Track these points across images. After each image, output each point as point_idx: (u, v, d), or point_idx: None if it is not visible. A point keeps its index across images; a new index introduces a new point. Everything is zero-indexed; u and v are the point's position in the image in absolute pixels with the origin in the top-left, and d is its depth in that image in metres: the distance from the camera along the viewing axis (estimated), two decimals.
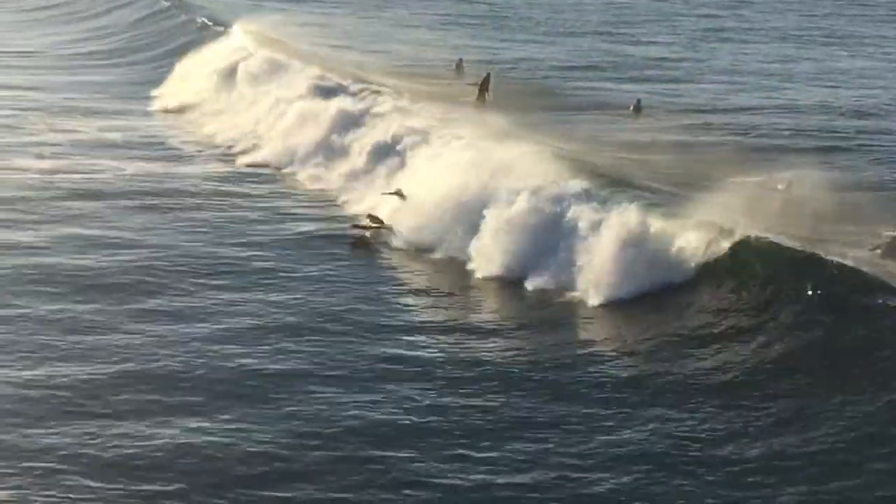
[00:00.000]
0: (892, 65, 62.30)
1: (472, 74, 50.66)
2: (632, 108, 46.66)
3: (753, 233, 26.08)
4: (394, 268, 29.88)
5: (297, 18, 69.10)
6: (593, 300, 25.80)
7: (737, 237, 26.00)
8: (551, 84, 52.78)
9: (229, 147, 42.00)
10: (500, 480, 18.32)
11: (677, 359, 22.75)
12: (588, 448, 19.37)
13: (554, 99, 48.86)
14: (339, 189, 36.34)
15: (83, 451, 18.92)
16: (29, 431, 19.51)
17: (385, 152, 37.27)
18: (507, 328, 25.25)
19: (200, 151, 41.56)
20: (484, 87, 46.23)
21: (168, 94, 51.66)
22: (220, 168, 39.15)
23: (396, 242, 30.88)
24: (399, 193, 32.63)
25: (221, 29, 60.91)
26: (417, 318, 25.90)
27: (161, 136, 44.35)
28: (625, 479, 18.36)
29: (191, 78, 52.74)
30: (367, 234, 31.68)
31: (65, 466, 18.36)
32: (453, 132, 36.87)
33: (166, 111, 49.08)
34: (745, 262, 25.49)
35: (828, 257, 24.58)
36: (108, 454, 18.90)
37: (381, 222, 31.73)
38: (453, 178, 31.92)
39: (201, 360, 22.68)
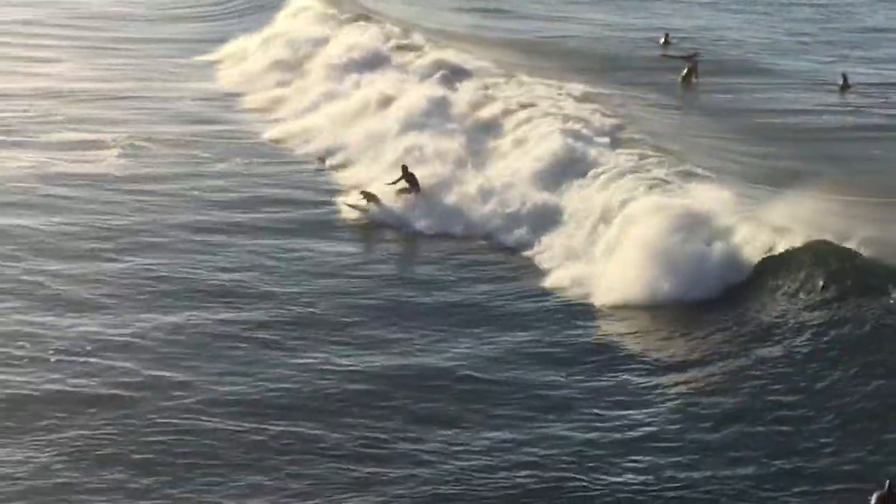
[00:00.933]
0: None
1: (680, 49, 50.78)
2: (839, 84, 46.12)
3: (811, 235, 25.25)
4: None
5: None
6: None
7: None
8: (759, 59, 52.22)
9: None
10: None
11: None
12: None
13: (760, 75, 48.52)
14: None
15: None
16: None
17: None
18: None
19: None
20: (692, 70, 46.25)
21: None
22: None
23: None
24: (406, 178, 31.18)
25: None
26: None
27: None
28: None
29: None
30: (360, 210, 30.94)
31: None
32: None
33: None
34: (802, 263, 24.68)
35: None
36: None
37: (376, 198, 30.83)
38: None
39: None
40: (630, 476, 18.21)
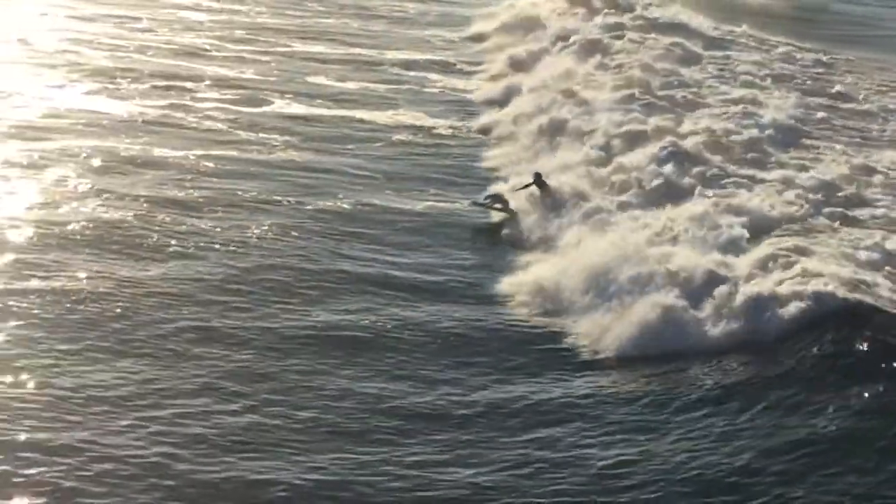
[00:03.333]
0: None
1: None
2: None
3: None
4: None
5: None
6: None
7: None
8: None
9: None
10: None
11: None
12: None
13: None
14: None
15: None
16: None
17: None
18: None
19: None
20: None
21: None
22: None
23: None
24: (538, 182, 30.10)
25: None
26: None
27: None
28: None
29: None
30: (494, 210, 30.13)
31: None
32: None
33: None
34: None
35: None
36: None
37: (507, 203, 29.86)
38: None
39: None
40: None
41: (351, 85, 42.37)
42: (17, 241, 25.11)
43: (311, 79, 42.72)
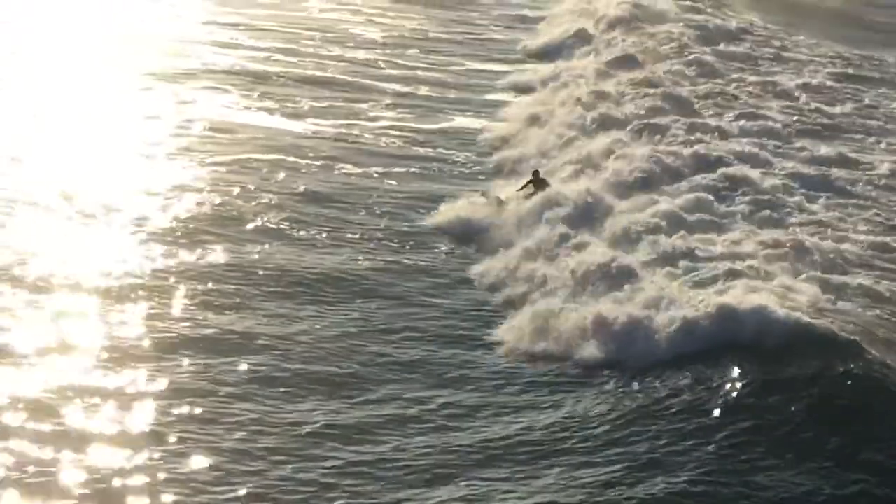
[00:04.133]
0: None
1: None
2: None
3: None
4: None
5: None
6: None
7: None
8: None
9: None
10: None
11: None
12: None
13: None
14: None
15: None
16: None
17: None
18: None
19: None
20: None
21: None
22: None
23: None
24: (536, 181, 29.16)
25: None
26: None
27: None
28: None
29: None
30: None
31: None
32: None
33: None
34: None
35: None
36: None
37: (503, 203, 28.83)
38: None
39: None
40: None
41: (528, 99, 41.60)
42: (203, 253, 25.00)
43: (486, 95, 42.14)
